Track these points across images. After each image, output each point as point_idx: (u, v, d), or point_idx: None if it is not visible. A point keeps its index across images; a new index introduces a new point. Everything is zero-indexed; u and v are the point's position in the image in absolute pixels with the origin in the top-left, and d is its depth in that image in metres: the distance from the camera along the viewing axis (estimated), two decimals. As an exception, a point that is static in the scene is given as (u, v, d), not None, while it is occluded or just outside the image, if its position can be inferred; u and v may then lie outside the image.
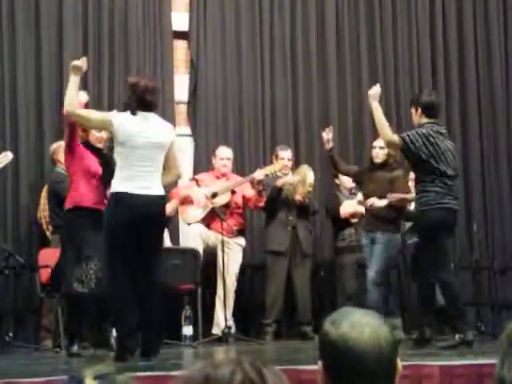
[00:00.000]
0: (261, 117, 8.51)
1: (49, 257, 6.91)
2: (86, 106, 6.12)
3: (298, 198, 7.54)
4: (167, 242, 7.31)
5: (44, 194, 7.32)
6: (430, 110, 6.04)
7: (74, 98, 5.38)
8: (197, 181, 7.40)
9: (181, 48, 8.54)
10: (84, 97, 6.10)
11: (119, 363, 5.03)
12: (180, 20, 8.48)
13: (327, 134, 7.06)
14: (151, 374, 4.31)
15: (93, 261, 5.79)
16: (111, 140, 5.58)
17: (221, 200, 7.44)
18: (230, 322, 7.09)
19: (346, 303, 6.93)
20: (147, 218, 5.21)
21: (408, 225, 7.38)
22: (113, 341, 6.16)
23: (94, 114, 5.47)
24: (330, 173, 7.76)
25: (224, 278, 7.21)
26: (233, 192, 7.59)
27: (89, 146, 6.07)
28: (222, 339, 6.90)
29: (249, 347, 6.87)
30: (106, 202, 5.60)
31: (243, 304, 7.77)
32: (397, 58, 8.96)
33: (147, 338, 5.26)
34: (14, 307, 7.32)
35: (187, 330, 7.03)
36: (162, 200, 5.42)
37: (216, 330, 7.20)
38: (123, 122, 5.28)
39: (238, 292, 7.48)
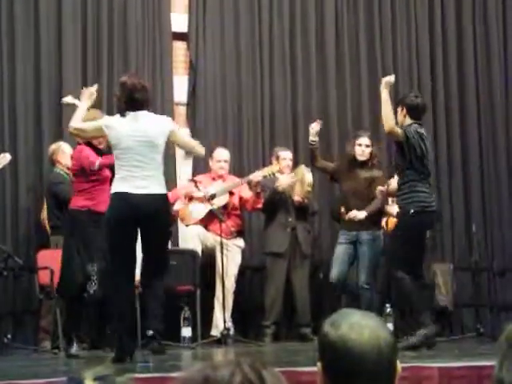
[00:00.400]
0: (260, 118, 8.51)
1: (48, 258, 6.91)
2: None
3: (297, 198, 7.54)
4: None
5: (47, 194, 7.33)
6: (414, 112, 6.11)
7: (78, 122, 5.56)
8: (195, 182, 7.40)
9: (180, 49, 8.54)
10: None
11: (117, 364, 5.02)
12: (179, 21, 8.48)
13: (315, 127, 7.18)
14: (150, 376, 4.31)
15: (95, 262, 5.80)
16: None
17: (219, 201, 7.44)
18: (229, 324, 7.08)
19: (350, 304, 6.94)
20: (145, 216, 5.20)
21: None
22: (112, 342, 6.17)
23: (87, 125, 5.59)
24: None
25: (223, 279, 7.20)
26: (231, 193, 7.59)
27: (92, 147, 6.09)
28: (221, 341, 6.90)
29: (248, 349, 6.87)
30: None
31: (242, 306, 7.76)
32: (396, 57, 8.96)
33: (148, 337, 5.27)
34: (13, 309, 7.32)
35: (186, 332, 7.02)
36: (161, 198, 5.36)
37: (215, 332, 7.19)
38: (113, 125, 5.35)
39: (236, 293, 7.47)
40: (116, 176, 5.34)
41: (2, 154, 6.86)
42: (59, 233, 7.12)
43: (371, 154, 7.18)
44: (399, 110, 6.20)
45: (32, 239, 7.65)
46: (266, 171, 7.48)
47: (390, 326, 6.98)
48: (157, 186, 5.31)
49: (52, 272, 6.63)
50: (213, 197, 7.34)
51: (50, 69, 7.93)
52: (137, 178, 5.25)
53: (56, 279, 6.53)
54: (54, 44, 7.99)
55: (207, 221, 7.45)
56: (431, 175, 6.12)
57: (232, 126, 8.41)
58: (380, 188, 6.98)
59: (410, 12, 9.09)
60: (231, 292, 7.36)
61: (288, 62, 8.65)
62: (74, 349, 5.92)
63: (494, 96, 9.12)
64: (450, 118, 9.02)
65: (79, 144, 6.18)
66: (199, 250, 7.30)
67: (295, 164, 7.91)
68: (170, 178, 7.51)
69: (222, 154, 7.72)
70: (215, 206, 7.29)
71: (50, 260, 6.81)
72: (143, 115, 5.37)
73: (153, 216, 5.24)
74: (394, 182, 6.65)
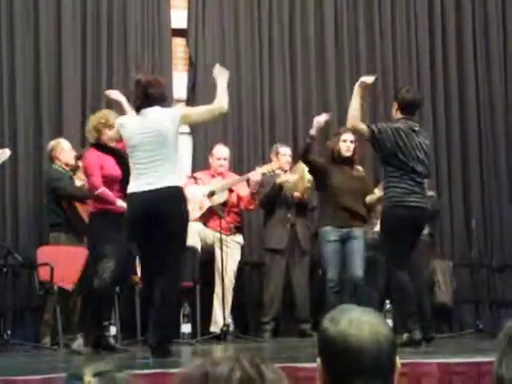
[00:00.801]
0: (260, 114, 8.50)
1: (47, 255, 6.91)
2: None
3: (297, 194, 7.55)
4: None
5: None
6: (405, 107, 6.07)
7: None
8: (195, 179, 7.40)
9: (179, 46, 8.54)
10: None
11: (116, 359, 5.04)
12: (179, 18, 8.48)
13: (321, 120, 6.90)
14: (150, 372, 4.31)
15: (106, 259, 5.85)
16: None
17: (219, 198, 7.45)
18: (229, 320, 7.09)
19: (350, 300, 6.94)
20: (155, 212, 5.19)
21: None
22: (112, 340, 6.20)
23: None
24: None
25: (222, 275, 7.21)
26: (230, 190, 7.60)
27: (102, 147, 6.11)
28: (221, 337, 6.90)
29: (247, 345, 6.87)
30: None
31: (241, 302, 7.77)
32: (395, 56, 8.95)
33: (156, 338, 5.27)
34: (13, 305, 7.32)
35: (185, 328, 7.02)
36: (171, 193, 5.24)
37: (214, 328, 7.20)
38: (126, 123, 5.43)
39: (236, 290, 7.47)
40: (131, 174, 5.40)
41: (2, 150, 6.84)
42: (58, 229, 7.13)
43: (354, 149, 7.16)
44: (394, 105, 6.20)
45: (31, 236, 7.66)
46: (265, 169, 7.47)
47: (390, 322, 6.99)
48: (167, 181, 5.24)
49: (52, 268, 6.63)
50: (212, 194, 7.34)
51: (49, 65, 7.92)
52: (147, 175, 5.26)
53: (56, 276, 6.55)
54: (53, 41, 7.98)
55: (206, 217, 7.45)
56: (420, 169, 5.98)
57: (231, 122, 8.40)
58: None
59: (409, 10, 9.07)
60: (230, 288, 7.36)
61: (288, 58, 8.64)
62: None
63: (493, 94, 9.11)
64: (449, 115, 9.01)
65: (91, 146, 6.22)
66: (199, 246, 7.30)
67: (295, 162, 7.91)
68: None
69: (221, 152, 7.71)
70: (215, 203, 7.29)
71: (50, 256, 6.81)
72: (152, 111, 5.34)
73: (162, 211, 5.20)
74: (377, 192, 6.78)
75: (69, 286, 6.79)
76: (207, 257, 7.35)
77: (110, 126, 6.05)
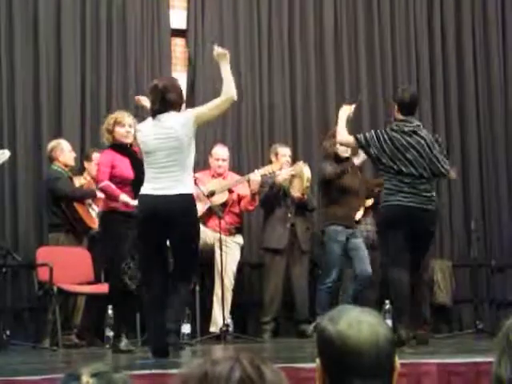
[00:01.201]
0: (259, 115, 8.51)
1: (47, 255, 6.91)
2: None
3: (297, 194, 7.55)
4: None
5: None
6: (403, 107, 6.07)
7: None
8: (195, 179, 7.40)
9: (179, 46, 8.54)
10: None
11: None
12: (178, 18, 8.49)
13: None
14: (149, 372, 4.30)
15: (125, 260, 5.89)
16: None
17: (219, 199, 7.45)
18: (228, 320, 7.09)
19: (350, 301, 6.95)
20: (165, 217, 5.21)
21: None
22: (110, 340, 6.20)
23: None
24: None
25: (222, 276, 7.21)
26: (230, 191, 7.60)
27: (117, 147, 6.11)
28: (220, 337, 6.89)
29: (247, 345, 6.87)
30: None
31: (241, 302, 7.77)
32: (395, 56, 8.96)
33: (162, 339, 5.28)
34: (12, 305, 7.32)
35: (185, 328, 7.02)
36: (181, 199, 5.25)
37: (214, 328, 7.20)
38: (141, 128, 5.48)
39: (235, 290, 7.47)
40: (145, 177, 5.43)
41: (1, 151, 6.85)
42: (58, 230, 7.13)
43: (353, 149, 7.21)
44: (394, 106, 6.21)
45: (31, 236, 7.65)
46: (266, 170, 7.47)
47: (389, 322, 6.98)
48: (178, 187, 5.25)
49: (51, 269, 6.62)
50: (212, 194, 7.34)
51: (48, 65, 7.92)
52: (159, 180, 5.28)
53: (56, 276, 6.55)
54: (52, 41, 7.98)
55: (206, 217, 7.45)
56: (408, 171, 5.97)
57: (231, 122, 8.41)
58: None
59: (409, 9, 9.08)
60: (230, 288, 7.36)
61: (287, 59, 8.65)
62: (124, 343, 5.96)
63: (493, 94, 9.13)
64: (448, 116, 9.02)
65: (108, 147, 6.24)
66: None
67: (294, 162, 7.91)
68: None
69: (220, 153, 7.71)
70: (214, 204, 7.29)
71: (49, 257, 6.81)
72: (168, 116, 5.33)
73: (172, 217, 5.21)
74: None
75: (69, 287, 6.80)
76: (206, 257, 7.34)
77: (120, 123, 6.12)
